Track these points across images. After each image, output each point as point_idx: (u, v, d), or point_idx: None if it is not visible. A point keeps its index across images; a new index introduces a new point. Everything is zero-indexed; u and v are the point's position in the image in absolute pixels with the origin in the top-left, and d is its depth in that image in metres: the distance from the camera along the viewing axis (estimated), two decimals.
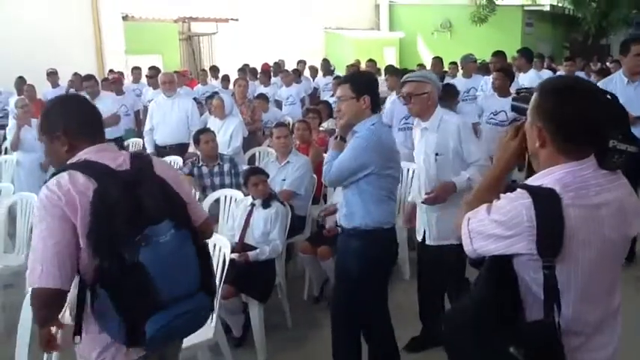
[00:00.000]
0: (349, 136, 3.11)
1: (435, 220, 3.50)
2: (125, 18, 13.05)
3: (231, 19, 15.69)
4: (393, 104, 5.88)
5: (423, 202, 3.47)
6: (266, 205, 4.13)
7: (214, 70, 11.30)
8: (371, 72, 3.56)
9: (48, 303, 1.87)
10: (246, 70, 10.91)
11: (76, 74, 9.44)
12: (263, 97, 8.14)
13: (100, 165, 1.95)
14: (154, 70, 8.13)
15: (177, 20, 14.98)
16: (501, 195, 1.52)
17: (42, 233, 1.84)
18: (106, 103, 6.83)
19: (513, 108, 1.80)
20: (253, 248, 3.97)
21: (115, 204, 1.83)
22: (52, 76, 9.39)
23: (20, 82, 8.78)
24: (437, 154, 3.41)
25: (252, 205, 4.17)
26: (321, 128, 6.77)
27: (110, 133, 6.86)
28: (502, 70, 5.98)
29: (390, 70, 8.33)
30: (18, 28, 10.40)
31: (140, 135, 7.80)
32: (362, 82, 3.11)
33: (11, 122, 6.36)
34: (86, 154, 2.00)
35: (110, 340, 1.92)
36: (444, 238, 3.46)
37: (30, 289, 1.87)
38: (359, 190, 3.05)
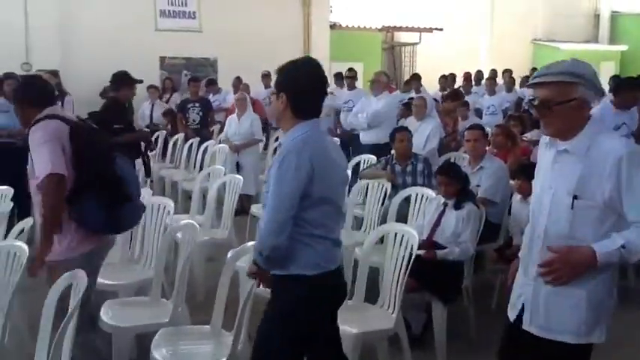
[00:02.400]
0: None
1: (545, 297, 2.20)
2: (332, 26, 13.67)
3: (436, 28, 15.59)
4: (603, 110, 5.29)
5: (541, 275, 2.18)
6: (458, 206, 3.97)
7: (416, 78, 11.20)
8: (310, 61, 2.40)
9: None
10: (447, 78, 10.75)
11: None
12: (465, 104, 7.95)
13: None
14: (353, 72, 8.40)
15: (382, 29, 15.30)
16: None
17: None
18: None
19: None
20: (442, 247, 3.83)
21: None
22: (266, 78, 10.18)
23: (237, 81, 9.70)
24: (575, 197, 2.11)
25: (445, 204, 4.04)
26: (524, 138, 6.43)
27: None
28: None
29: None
30: (238, 32, 11.48)
31: (336, 136, 8.11)
32: (284, 75, 2.31)
33: None
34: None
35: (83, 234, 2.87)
36: (555, 329, 2.20)
37: None
38: None
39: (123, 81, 5.29)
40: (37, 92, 3.06)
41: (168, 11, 11.42)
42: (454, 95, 8.02)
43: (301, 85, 2.29)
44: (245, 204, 6.53)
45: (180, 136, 8.05)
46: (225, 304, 3.04)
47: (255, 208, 5.76)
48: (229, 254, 3.08)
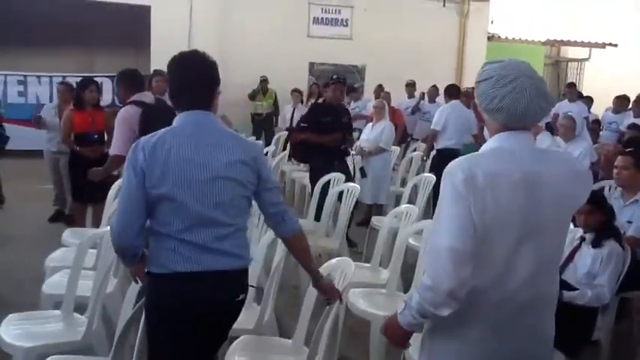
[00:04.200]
0: None
1: None
2: (490, 38, 12.97)
3: (609, 44, 14.14)
4: None
5: None
6: (598, 242, 3.38)
7: (571, 88, 10.08)
8: (186, 54, 2.22)
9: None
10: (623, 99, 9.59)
11: (434, 86, 9.68)
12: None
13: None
14: None
15: (546, 43, 14.21)
16: None
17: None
18: None
19: None
20: (572, 288, 3.27)
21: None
22: (410, 87, 9.89)
23: (378, 89, 9.52)
24: None
25: (582, 238, 3.47)
26: None
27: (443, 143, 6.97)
28: None
29: None
30: (389, 41, 11.33)
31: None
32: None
33: None
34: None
35: None
36: None
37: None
38: None
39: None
40: (128, 79, 4.20)
41: (321, 19, 11.61)
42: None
43: (171, 78, 2.25)
44: (373, 213, 6.29)
45: None
46: (308, 319, 2.84)
47: (375, 220, 5.50)
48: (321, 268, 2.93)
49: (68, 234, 4.44)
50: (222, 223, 2.14)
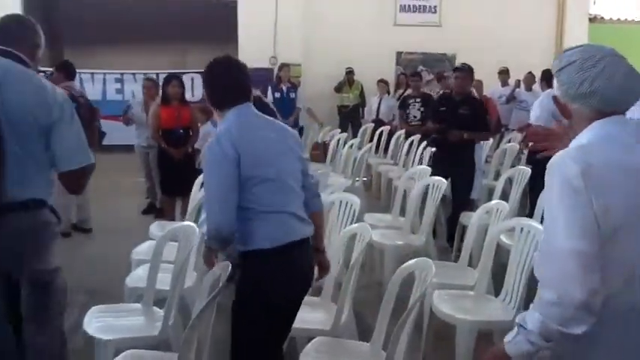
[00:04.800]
0: None
1: None
2: (592, 19, 12.07)
3: None
4: None
5: None
6: None
7: None
8: (219, 58, 2.47)
9: None
10: None
11: (530, 73, 9.13)
12: None
13: None
14: None
15: None
16: None
17: None
18: None
19: None
20: None
21: None
22: (503, 74, 9.39)
23: None
24: None
25: None
26: None
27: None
28: None
29: None
30: (481, 26, 10.82)
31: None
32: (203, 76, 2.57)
33: None
34: None
35: None
36: None
37: None
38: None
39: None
40: None
41: (409, 6, 11.30)
42: None
43: (209, 82, 2.49)
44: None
45: (402, 132, 7.79)
46: (388, 320, 2.67)
47: (465, 217, 5.20)
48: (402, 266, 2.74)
49: (155, 227, 4.51)
50: (300, 194, 2.47)
